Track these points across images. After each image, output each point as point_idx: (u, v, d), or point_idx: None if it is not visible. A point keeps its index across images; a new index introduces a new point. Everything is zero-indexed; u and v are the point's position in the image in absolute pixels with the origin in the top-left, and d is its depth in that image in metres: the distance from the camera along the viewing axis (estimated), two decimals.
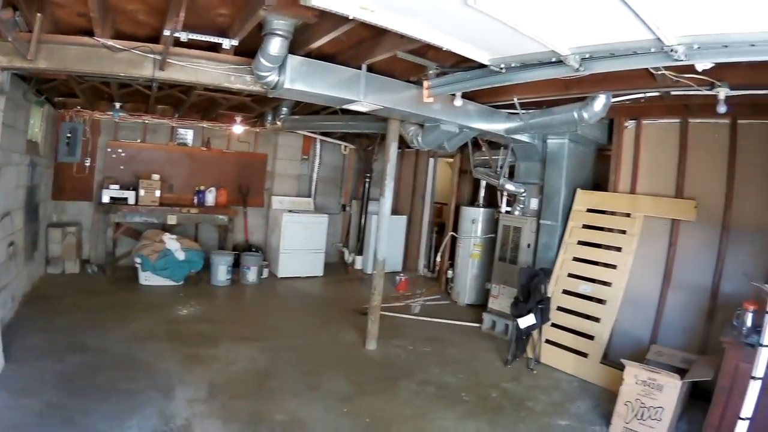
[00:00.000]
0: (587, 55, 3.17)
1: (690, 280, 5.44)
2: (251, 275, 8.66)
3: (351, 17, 2.98)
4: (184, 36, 3.94)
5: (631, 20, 2.54)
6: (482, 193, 8.57)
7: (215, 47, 4.33)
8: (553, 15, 2.76)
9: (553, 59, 3.36)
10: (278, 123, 8.35)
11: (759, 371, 3.09)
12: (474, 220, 8.22)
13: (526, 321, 5.57)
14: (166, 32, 3.87)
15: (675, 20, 2.56)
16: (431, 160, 10.30)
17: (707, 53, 2.79)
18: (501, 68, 3.74)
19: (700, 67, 3.18)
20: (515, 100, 5.50)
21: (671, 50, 2.73)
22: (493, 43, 3.49)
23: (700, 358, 4.83)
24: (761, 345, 3.10)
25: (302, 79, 4.50)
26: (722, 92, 3.95)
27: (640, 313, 5.72)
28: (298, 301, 8.17)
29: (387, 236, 6.09)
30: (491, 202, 8.30)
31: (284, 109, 7.96)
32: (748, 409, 3.10)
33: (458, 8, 2.68)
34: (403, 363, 5.65)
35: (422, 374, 5.34)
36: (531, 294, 5.71)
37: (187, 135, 9.60)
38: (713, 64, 3.04)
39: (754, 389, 3.10)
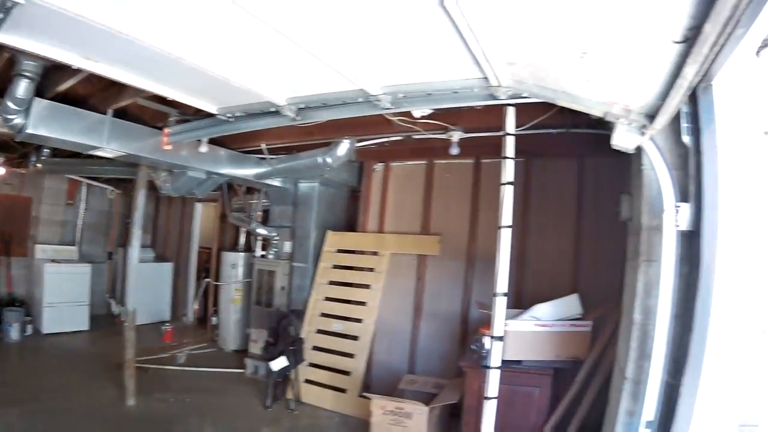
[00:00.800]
0: (303, 105, 3.31)
1: (441, 310, 5.81)
2: (13, 333, 7.88)
3: (75, 67, 2.97)
4: None
5: (334, 73, 2.64)
6: (243, 237, 8.48)
7: None
8: (262, 67, 2.82)
9: (272, 109, 3.45)
10: (39, 165, 7.47)
11: (491, 391, 3.26)
12: (234, 264, 8.08)
13: (278, 363, 5.55)
14: None
15: (376, 72, 2.72)
16: (198, 204, 9.95)
17: (413, 101, 3.03)
18: (229, 117, 3.80)
19: (417, 114, 3.49)
20: (263, 146, 5.53)
21: (377, 100, 2.90)
22: (216, 95, 3.55)
23: (450, 382, 5.16)
24: (489, 367, 3.30)
25: (45, 124, 4.21)
26: (456, 135, 4.42)
27: (395, 345, 5.97)
28: (62, 358, 7.44)
29: (141, 285, 6.04)
30: (251, 246, 8.20)
31: (46, 150, 7.12)
32: (488, 427, 3.26)
33: (168, 62, 2.69)
34: (163, 417, 5.31)
35: (182, 427, 5.09)
36: (280, 336, 5.71)
37: None
38: (431, 111, 3.31)
39: (489, 408, 3.25)
